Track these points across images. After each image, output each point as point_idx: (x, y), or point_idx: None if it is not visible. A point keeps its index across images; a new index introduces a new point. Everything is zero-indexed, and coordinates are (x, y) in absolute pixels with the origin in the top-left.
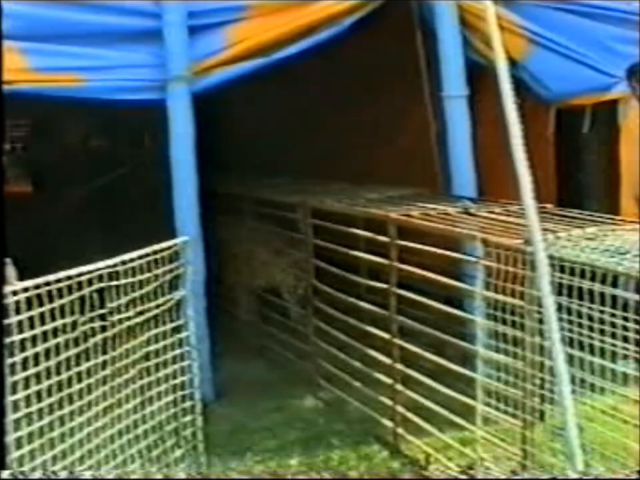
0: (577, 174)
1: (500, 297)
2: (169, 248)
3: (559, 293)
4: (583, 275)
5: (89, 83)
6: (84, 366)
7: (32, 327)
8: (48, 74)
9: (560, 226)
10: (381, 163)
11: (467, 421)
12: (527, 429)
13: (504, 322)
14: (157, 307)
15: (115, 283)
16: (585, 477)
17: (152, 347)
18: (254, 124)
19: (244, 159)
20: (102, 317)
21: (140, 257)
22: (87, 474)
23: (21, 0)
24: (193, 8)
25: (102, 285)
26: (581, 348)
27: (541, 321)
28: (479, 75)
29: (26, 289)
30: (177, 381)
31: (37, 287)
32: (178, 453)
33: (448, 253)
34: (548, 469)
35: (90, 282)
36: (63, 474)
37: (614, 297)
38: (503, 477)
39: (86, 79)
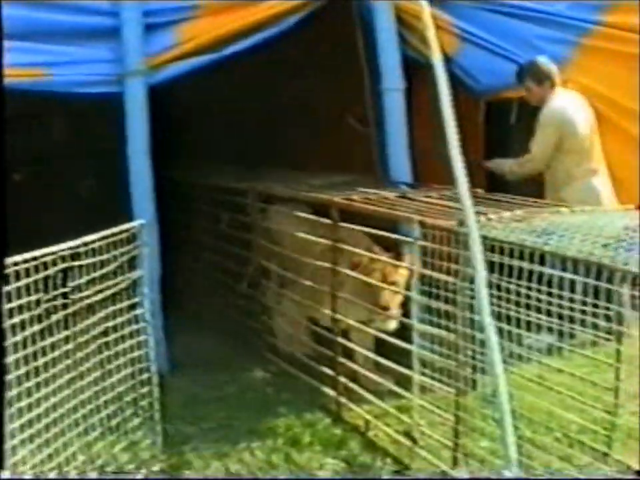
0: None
1: (435, 274)
2: (127, 230)
3: (491, 271)
4: (512, 254)
5: (49, 77)
6: (48, 340)
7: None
8: (11, 69)
9: (490, 209)
10: (324, 150)
11: (404, 390)
12: (460, 397)
13: (438, 298)
14: (116, 285)
15: (77, 263)
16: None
17: (111, 323)
18: (204, 114)
19: (197, 147)
20: (65, 295)
21: (100, 239)
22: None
23: None
24: (148, 7)
25: (65, 265)
26: (509, 322)
27: (472, 297)
28: (415, 69)
29: None
30: (134, 355)
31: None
32: (136, 421)
33: (387, 234)
34: (479, 433)
35: (54, 262)
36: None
37: (540, 275)
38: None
39: (47, 74)
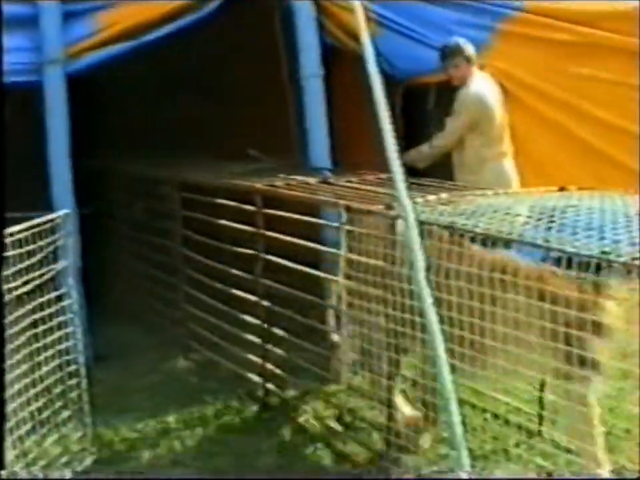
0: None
1: (362, 259)
2: (52, 220)
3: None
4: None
5: None
6: None
7: None
8: None
9: (414, 193)
10: (243, 138)
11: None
12: (391, 380)
13: (366, 282)
14: (42, 276)
15: (3, 254)
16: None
17: (38, 315)
18: (126, 102)
19: (118, 136)
20: None
21: (26, 229)
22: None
23: None
24: None
25: None
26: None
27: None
28: (333, 56)
29: None
30: (62, 347)
31: None
32: (65, 414)
33: (311, 219)
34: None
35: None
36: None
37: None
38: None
39: None
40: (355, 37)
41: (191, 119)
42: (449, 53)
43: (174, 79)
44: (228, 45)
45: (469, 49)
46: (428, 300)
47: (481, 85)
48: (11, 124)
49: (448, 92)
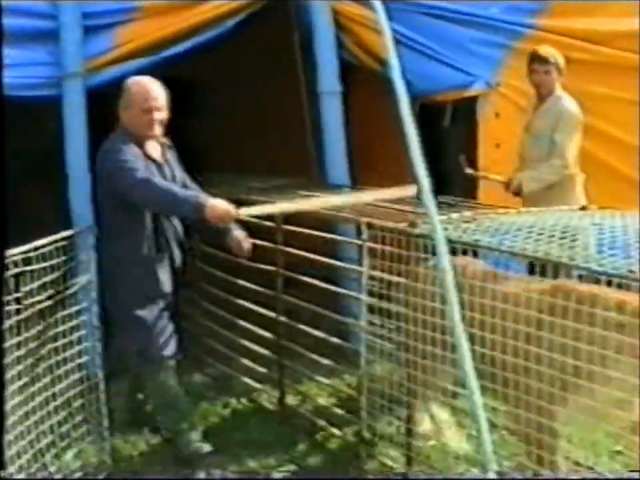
0: (438, 164)
1: (385, 275)
2: (74, 235)
3: None
4: (465, 254)
5: None
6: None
7: None
8: None
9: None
10: (258, 153)
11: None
12: (411, 397)
13: (388, 299)
14: (65, 290)
15: (29, 268)
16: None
17: (60, 329)
18: None
19: None
20: (17, 300)
21: (50, 244)
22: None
23: None
24: (87, 9)
25: (17, 270)
26: None
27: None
28: (351, 72)
29: None
30: (82, 360)
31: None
32: (84, 428)
33: (330, 236)
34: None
35: (6, 267)
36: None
37: None
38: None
39: None
40: (373, 54)
41: (207, 134)
42: (541, 58)
43: (190, 94)
44: (246, 61)
45: (561, 59)
46: (458, 318)
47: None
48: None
49: (463, 110)
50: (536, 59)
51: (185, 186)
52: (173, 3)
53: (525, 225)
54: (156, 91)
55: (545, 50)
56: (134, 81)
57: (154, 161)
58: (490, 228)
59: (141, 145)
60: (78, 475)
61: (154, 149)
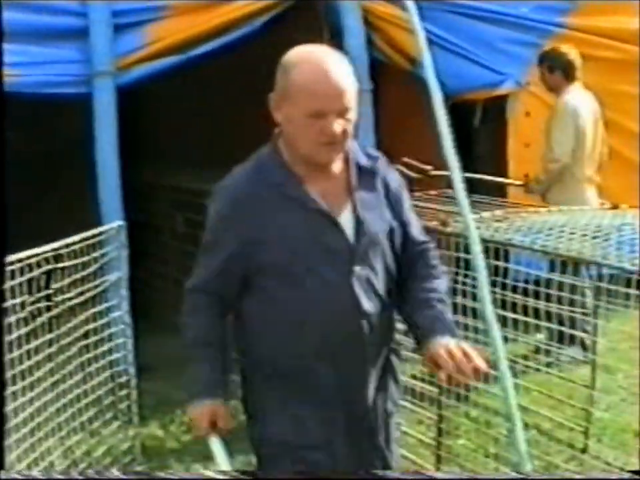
0: (468, 163)
1: None
2: (105, 232)
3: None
4: (497, 254)
5: (17, 78)
6: (33, 344)
7: None
8: None
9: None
10: None
11: None
12: (442, 395)
13: None
14: (96, 287)
15: (60, 265)
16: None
17: (91, 326)
18: (172, 115)
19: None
20: (48, 298)
21: (81, 241)
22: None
23: None
24: (117, 7)
25: (49, 267)
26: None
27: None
28: (381, 70)
29: None
30: (112, 358)
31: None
32: (115, 425)
33: None
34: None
35: (38, 264)
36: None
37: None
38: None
39: (15, 74)
40: (403, 53)
41: (234, 132)
42: (546, 57)
43: (218, 93)
44: (276, 59)
45: (568, 58)
46: (491, 317)
47: (578, 97)
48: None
49: (494, 109)
50: (540, 59)
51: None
52: (203, 1)
53: (557, 224)
54: (335, 79)
55: (550, 48)
56: (299, 55)
57: (323, 212)
58: (522, 227)
59: (303, 177)
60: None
61: (330, 182)
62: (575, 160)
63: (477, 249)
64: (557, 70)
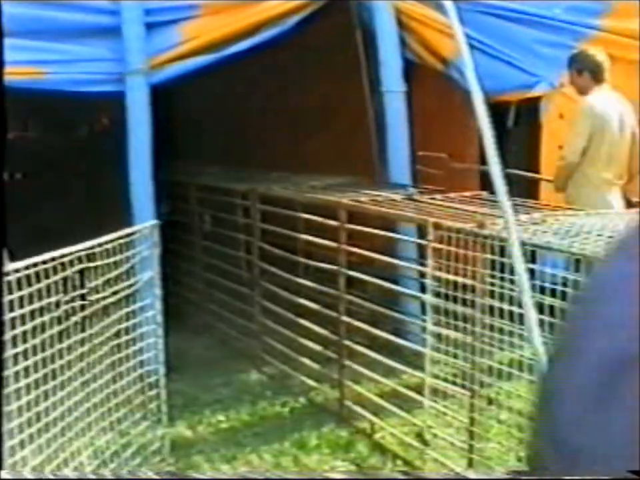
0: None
1: (451, 277)
2: (139, 231)
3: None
4: (533, 257)
5: (49, 75)
6: (65, 343)
7: (22, 306)
8: (10, 67)
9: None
10: (321, 152)
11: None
12: (474, 399)
13: (454, 300)
14: (130, 286)
15: (93, 264)
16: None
17: (123, 325)
18: (202, 115)
19: (191, 147)
20: (82, 297)
21: (115, 240)
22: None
23: None
24: (149, 5)
25: (82, 265)
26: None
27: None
28: (413, 71)
29: (17, 270)
30: (144, 357)
31: (27, 267)
32: (144, 425)
33: (394, 235)
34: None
35: (71, 263)
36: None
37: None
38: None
39: (47, 72)
40: (437, 54)
41: (270, 132)
42: (574, 59)
43: (248, 93)
44: (308, 60)
45: (596, 60)
46: (534, 320)
47: (600, 98)
48: None
49: (527, 110)
50: (569, 62)
51: None
52: (235, 1)
53: (595, 228)
54: None
55: (577, 51)
56: None
57: None
58: (559, 230)
59: None
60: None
61: None
62: (588, 160)
63: (517, 252)
64: (585, 72)
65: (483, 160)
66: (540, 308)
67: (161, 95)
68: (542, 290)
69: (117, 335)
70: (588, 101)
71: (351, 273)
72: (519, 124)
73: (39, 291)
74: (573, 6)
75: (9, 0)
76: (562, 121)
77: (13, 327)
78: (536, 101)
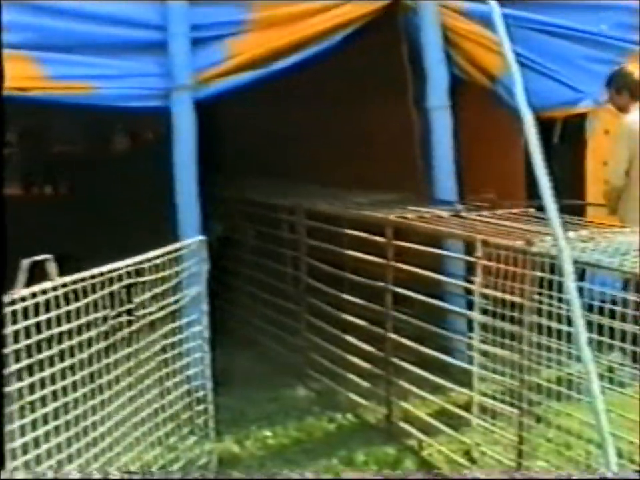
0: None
1: (499, 294)
2: (186, 247)
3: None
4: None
5: (98, 90)
6: (112, 358)
7: (69, 321)
8: (61, 82)
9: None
10: (366, 167)
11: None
12: (524, 417)
13: (502, 318)
14: (177, 302)
15: (141, 279)
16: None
17: (169, 340)
18: (250, 131)
19: (235, 162)
20: (128, 312)
21: (162, 255)
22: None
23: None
24: (196, 21)
25: (129, 281)
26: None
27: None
28: (460, 88)
29: (64, 285)
30: (190, 372)
31: (74, 282)
32: (191, 440)
33: (442, 252)
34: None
35: (119, 278)
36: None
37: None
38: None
39: (95, 87)
40: (483, 70)
41: (314, 147)
42: (613, 78)
43: (293, 108)
44: (354, 75)
45: (633, 79)
46: (584, 338)
47: (636, 117)
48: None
49: (573, 127)
50: (608, 81)
51: None
52: (284, 15)
53: None
54: None
55: (616, 70)
56: None
57: None
58: (608, 248)
59: None
60: None
61: None
62: (632, 180)
63: (569, 269)
64: (624, 90)
65: (529, 176)
66: (589, 326)
67: (205, 109)
68: (590, 308)
69: (164, 350)
70: (626, 121)
71: (398, 289)
72: (564, 140)
73: (87, 305)
74: (619, 22)
75: (59, 17)
76: (607, 137)
77: (60, 342)
78: (582, 117)
